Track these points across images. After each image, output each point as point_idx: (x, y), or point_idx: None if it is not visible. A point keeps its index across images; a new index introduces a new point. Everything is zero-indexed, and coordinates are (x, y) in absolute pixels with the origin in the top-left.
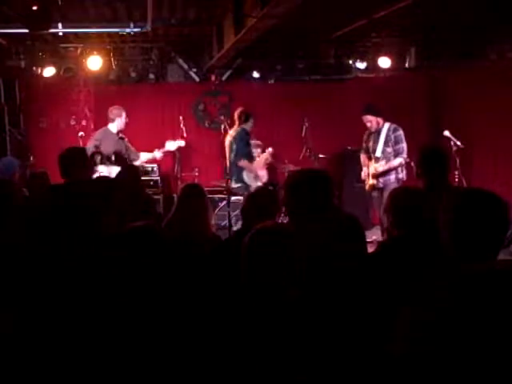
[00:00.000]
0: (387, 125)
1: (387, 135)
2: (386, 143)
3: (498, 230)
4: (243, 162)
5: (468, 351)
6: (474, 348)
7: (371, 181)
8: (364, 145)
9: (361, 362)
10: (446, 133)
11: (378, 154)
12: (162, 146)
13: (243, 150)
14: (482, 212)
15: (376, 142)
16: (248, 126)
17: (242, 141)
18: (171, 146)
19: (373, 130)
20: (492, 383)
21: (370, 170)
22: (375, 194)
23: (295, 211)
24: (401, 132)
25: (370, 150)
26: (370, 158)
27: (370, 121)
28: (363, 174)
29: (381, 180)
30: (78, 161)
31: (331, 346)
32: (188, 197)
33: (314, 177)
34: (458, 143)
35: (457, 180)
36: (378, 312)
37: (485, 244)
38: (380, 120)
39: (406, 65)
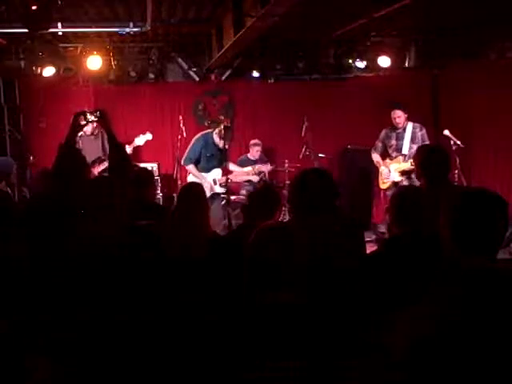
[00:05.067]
0: (410, 123)
1: (413, 133)
2: (412, 141)
3: (498, 229)
4: (189, 167)
5: (471, 347)
6: (477, 343)
7: (398, 178)
8: (380, 144)
9: (363, 360)
10: (446, 132)
11: (405, 151)
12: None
13: (189, 153)
14: (482, 211)
15: (401, 139)
16: (214, 132)
17: (194, 146)
18: (140, 141)
19: (400, 126)
20: (494, 379)
21: (391, 167)
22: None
23: (298, 210)
24: (425, 130)
25: (393, 147)
26: (388, 157)
27: (400, 116)
28: (385, 173)
29: (409, 178)
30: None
31: (333, 345)
32: (187, 196)
33: (319, 176)
34: (458, 142)
35: (456, 179)
36: (378, 310)
37: (484, 243)
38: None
39: (406, 64)
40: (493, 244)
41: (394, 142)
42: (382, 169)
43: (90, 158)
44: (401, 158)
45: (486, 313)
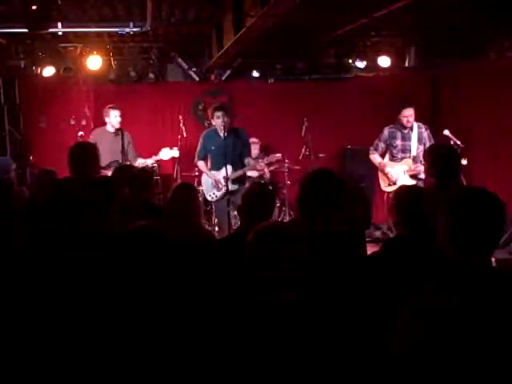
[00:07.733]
0: (415, 123)
1: (419, 133)
2: (419, 141)
3: (495, 230)
4: (198, 163)
5: (469, 346)
6: (476, 343)
7: (409, 181)
8: (381, 144)
9: (362, 361)
10: (446, 132)
11: (414, 152)
12: (164, 146)
13: (198, 150)
14: (480, 211)
15: (408, 139)
16: (214, 122)
17: (200, 141)
18: (164, 155)
19: (409, 125)
20: (493, 378)
21: (399, 169)
22: None
23: (304, 209)
24: (429, 131)
25: (398, 148)
26: (391, 158)
27: (412, 115)
28: (394, 176)
29: (419, 180)
30: (82, 157)
31: (333, 346)
32: (180, 197)
33: (330, 178)
34: (458, 142)
35: None
36: (379, 312)
37: (481, 243)
38: None
39: (406, 64)
40: (490, 244)
41: (399, 142)
42: (389, 170)
43: (111, 158)
44: (409, 159)
45: (484, 312)
